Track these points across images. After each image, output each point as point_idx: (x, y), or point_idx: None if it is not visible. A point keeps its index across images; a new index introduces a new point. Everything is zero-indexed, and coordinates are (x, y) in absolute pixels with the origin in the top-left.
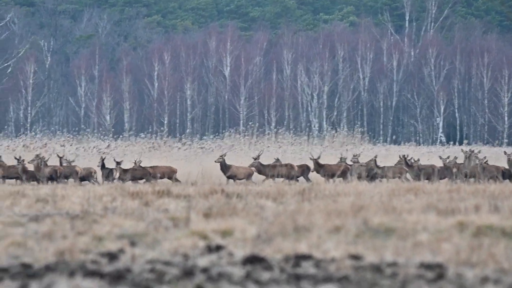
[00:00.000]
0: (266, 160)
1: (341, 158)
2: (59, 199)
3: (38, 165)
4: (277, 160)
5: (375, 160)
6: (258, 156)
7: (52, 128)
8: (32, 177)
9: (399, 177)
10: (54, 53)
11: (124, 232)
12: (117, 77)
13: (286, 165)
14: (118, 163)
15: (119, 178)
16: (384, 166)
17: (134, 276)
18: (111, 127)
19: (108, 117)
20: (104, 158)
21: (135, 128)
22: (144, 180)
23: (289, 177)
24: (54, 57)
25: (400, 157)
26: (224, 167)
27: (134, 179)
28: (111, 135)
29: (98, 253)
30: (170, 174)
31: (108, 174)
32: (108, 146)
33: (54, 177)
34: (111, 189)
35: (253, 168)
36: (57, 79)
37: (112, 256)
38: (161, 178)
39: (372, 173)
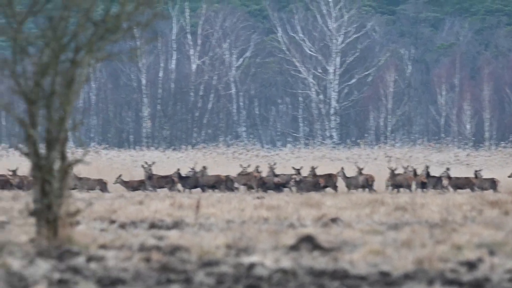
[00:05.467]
0: None
1: None
2: (418, 207)
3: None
4: None
5: None
6: None
7: (412, 137)
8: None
9: None
10: (414, 62)
11: (483, 241)
12: (477, 85)
13: None
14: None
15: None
16: None
17: (493, 285)
18: (471, 135)
19: (468, 126)
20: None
21: (495, 137)
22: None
23: None
24: (414, 65)
25: None
26: None
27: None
28: (471, 144)
29: (457, 262)
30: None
31: (436, 182)
32: (468, 155)
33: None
34: (470, 198)
35: None
36: (417, 87)
37: (470, 265)
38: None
39: None
